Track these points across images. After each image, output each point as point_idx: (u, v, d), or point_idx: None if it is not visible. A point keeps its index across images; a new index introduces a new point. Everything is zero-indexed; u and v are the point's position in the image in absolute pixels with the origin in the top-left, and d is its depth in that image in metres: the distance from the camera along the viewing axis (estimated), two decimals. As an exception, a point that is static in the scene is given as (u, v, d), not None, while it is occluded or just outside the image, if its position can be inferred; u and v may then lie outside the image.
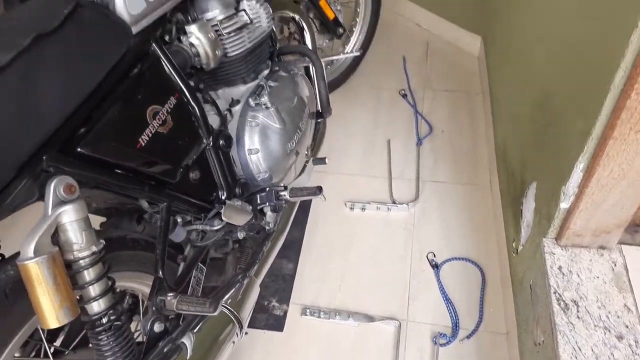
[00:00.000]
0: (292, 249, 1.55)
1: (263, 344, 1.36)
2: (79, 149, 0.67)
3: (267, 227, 1.16)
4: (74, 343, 0.89)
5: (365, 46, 2.16)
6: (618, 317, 0.91)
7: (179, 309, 0.79)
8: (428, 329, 1.34)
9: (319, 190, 1.11)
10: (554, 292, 0.96)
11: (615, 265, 0.99)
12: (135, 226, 0.93)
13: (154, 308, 0.80)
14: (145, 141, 0.77)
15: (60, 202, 0.62)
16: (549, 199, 1.01)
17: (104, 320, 0.69)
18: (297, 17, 1.36)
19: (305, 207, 1.67)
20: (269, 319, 1.39)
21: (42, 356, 0.83)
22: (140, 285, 0.94)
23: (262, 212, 1.13)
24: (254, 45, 1.04)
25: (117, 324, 0.70)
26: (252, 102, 1.04)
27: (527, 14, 1.41)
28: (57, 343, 0.88)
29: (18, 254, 0.61)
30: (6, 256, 0.70)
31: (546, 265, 1.00)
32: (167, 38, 0.91)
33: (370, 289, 1.44)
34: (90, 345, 0.70)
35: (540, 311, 1.02)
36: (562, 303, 0.94)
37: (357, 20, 2.08)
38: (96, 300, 0.67)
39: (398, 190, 1.70)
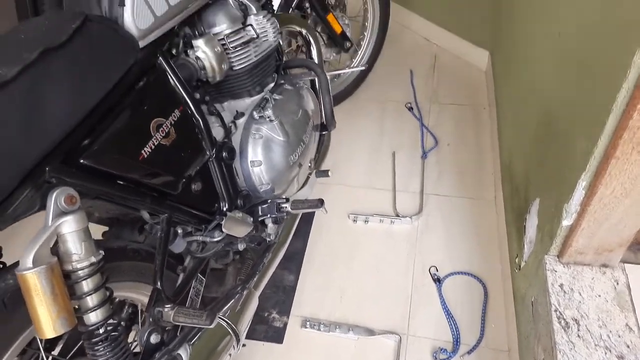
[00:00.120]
0: (294, 261, 1.55)
1: (262, 355, 1.35)
2: (81, 161, 0.68)
3: (268, 239, 1.16)
4: (72, 352, 0.89)
5: (372, 59, 2.18)
6: (619, 336, 0.90)
7: (176, 320, 0.80)
8: (429, 343, 1.33)
9: (320, 203, 1.11)
10: (555, 310, 0.95)
11: (617, 283, 0.98)
12: (136, 236, 0.93)
13: (151, 319, 0.80)
14: (148, 153, 0.78)
15: (60, 213, 0.63)
16: (552, 216, 1.01)
17: (101, 330, 0.69)
18: (304, 31, 1.38)
19: (308, 219, 1.67)
20: (269, 331, 1.39)
21: (39, 365, 0.84)
22: (140, 295, 0.95)
23: (263, 224, 1.14)
24: (260, 59, 1.05)
25: (114, 334, 0.71)
26: (256, 115, 1.05)
27: (533, 30, 1.41)
28: (56, 352, 0.88)
29: (18, 262, 0.61)
30: (8, 264, 0.71)
31: (548, 282, 0.99)
32: (174, 51, 0.92)
33: (371, 302, 1.44)
34: (87, 355, 0.70)
35: (541, 329, 1.01)
36: (562, 321, 0.93)
37: (365, 33, 2.10)
38: (93, 310, 0.68)
39: (402, 203, 1.70)
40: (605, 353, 0.88)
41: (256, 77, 1.06)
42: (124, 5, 0.75)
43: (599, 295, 0.96)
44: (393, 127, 2.02)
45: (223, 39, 0.96)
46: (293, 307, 1.45)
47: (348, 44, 1.80)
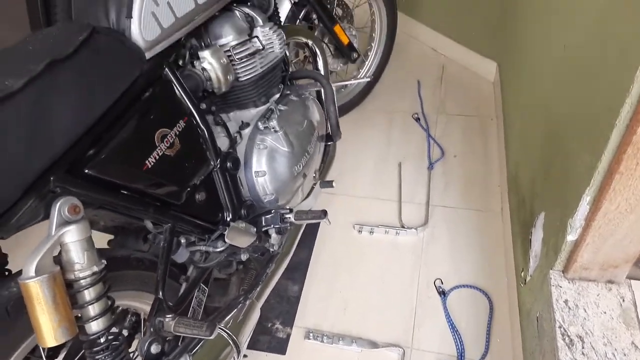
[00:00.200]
0: (299, 271, 1.55)
1: (265, 366, 1.35)
2: (86, 170, 0.69)
3: (271, 249, 1.16)
4: (74, 360, 0.90)
5: (380, 70, 2.18)
6: (625, 354, 0.89)
7: (177, 330, 0.80)
8: (433, 357, 1.31)
9: (324, 214, 1.11)
10: (559, 327, 0.94)
11: (623, 300, 0.97)
12: (141, 245, 0.94)
13: (152, 329, 0.81)
14: (152, 163, 0.79)
15: (64, 222, 0.64)
16: (557, 231, 1.00)
17: (102, 339, 0.69)
18: (310, 42, 1.39)
19: (313, 229, 1.67)
20: (272, 342, 1.39)
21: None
22: (143, 304, 0.95)
23: (266, 234, 1.14)
24: (266, 70, 1.06)
25: (115, 343, 0.71)
26: (261, 126, 1.06)
27: (540, 43, 1.41)
28: (57, 361, 0.89)
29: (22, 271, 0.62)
30: (13, 272, 0.72)
31: (552, 298, 0.98)
32: (180, 62, 0.93)
33: (375, 314, 1.43)
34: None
35: (546, 345, 1.00)
36: (567, 338, 0.92)
37: (372, 44, 2.11)
38: (95, 319, 0.68)
39: (407, 214, 1.69)
40: (611, 371, 0.87)
41: (262, 88, 1.07)
42: (131, 17, 0.77)
43: (605, 312, 0.95)
44: (399, 137, 2.02)
45: (229, 50, 0.98)
46: (297, 318, 1.44)
47: (355, 55, 1.81)
